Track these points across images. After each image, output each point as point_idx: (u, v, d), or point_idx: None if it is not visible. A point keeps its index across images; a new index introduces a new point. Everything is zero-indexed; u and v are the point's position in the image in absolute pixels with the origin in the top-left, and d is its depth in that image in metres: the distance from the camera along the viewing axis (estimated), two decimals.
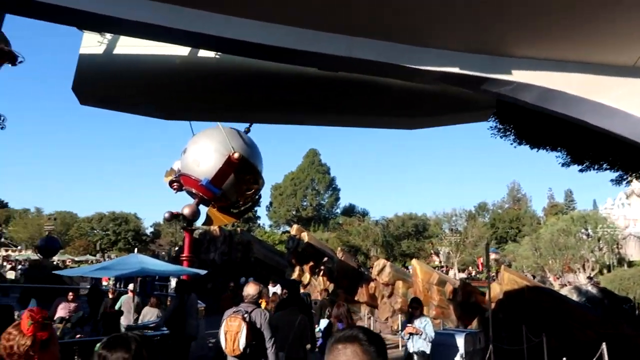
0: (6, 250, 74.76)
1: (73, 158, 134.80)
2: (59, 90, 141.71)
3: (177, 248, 43.78)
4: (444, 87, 6.80)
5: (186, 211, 16.33)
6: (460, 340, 9.09)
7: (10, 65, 7.27)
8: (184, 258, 16.59)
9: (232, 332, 5.70)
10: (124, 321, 12.40)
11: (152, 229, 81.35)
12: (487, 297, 13.63)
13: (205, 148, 16.06)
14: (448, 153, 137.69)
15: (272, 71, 6.39)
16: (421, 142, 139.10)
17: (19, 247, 73.84)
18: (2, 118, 7.06)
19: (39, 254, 29.40)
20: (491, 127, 11.62)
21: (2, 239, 79.28)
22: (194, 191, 16.45)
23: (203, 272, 12.85)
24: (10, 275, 38.43)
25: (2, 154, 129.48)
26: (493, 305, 13.86)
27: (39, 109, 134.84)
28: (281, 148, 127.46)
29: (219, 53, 6.44)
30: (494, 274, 28.27)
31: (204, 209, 17.45)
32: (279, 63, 6.41)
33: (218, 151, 15.85)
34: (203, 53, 6.55)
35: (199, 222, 18.82)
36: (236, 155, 15.53)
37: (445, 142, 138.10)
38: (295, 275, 22.70)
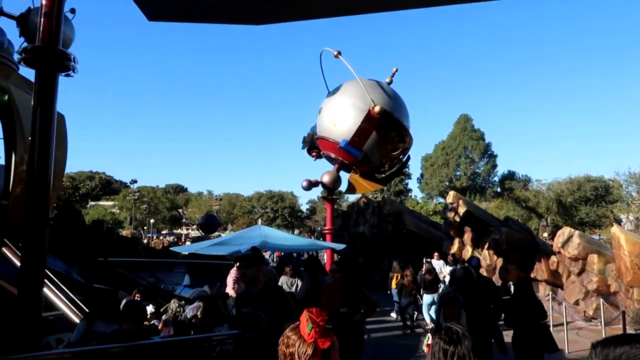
0: (187, 229, 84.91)
1: (232, 143, 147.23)
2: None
3: None
4: None
5: (325, 179, 14.56)
6: None
7: None
8: (326, 231, 14.85)
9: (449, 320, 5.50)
10: None
11: (308, 206, 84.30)
12: None
13: (342, 105, 14.05)
14: (624, 102, 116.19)
15: None
16: (589, 88, 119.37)
17: (194, 226, 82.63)
18: (73, 58, 5.69)
19: (200, 231, 31.28)
20: None
21: (183, 219, 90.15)
22: (332, 156, 14.62)
23: (341, 246, 10.94)
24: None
25: (178, 146, 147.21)
26: None
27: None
28: (428, 116, 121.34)
29: None
30: None
31: (345, 176, 15.58)
32: None
33: (356, 107, 13.72)
34: None
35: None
36: (377, 108, 13.21)
37: (620, 86, 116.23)
38: (454, 249, 19.93)
